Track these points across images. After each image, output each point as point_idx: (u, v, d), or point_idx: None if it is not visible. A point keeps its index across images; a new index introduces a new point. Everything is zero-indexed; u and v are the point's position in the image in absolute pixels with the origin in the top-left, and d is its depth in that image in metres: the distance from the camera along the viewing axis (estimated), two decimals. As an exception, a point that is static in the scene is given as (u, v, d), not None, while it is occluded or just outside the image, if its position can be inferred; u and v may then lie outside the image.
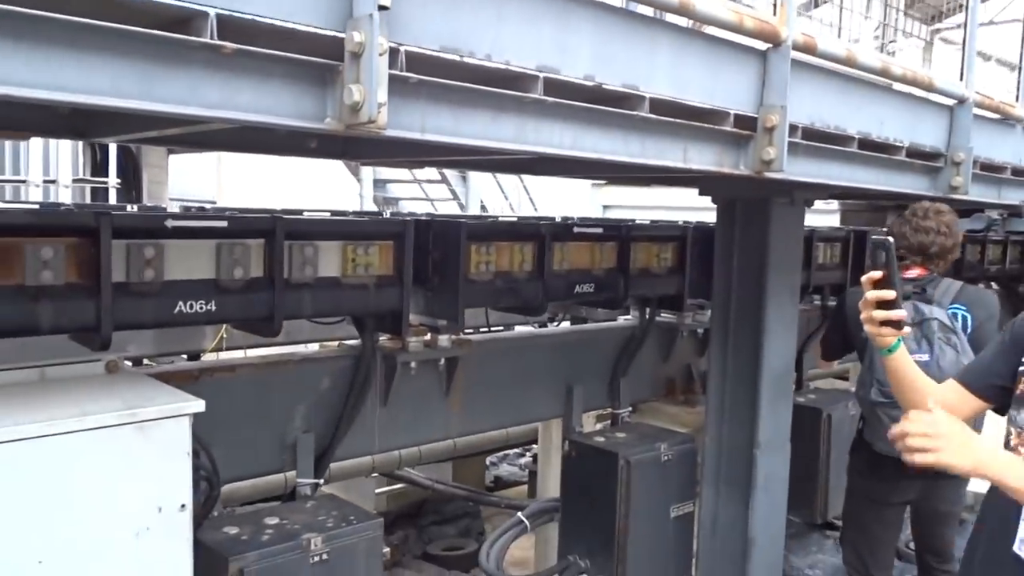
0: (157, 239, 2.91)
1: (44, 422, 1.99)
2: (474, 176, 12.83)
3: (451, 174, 12.94)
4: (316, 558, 2.89)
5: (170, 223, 2.96)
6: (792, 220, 4.26)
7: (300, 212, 5.53)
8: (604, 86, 2.50)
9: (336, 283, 3.36)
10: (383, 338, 3.76)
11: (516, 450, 8.57)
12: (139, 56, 1.71)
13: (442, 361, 3.86)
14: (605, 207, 14.64)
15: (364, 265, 3.43)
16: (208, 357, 6.08)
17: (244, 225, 3.15)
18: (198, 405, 2.25)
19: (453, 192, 13.46)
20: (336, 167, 11.58)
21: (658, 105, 2.66)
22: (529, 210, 14.35)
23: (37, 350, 2.93)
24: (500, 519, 6.60)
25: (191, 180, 11.12)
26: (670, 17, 2.82)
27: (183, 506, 2.20)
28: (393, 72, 1.98)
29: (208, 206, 8.06)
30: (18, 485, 1.95)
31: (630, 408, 4.74)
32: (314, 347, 6.58)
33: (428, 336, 3.81)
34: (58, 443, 2.00)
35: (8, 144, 9.38)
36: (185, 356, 6.03)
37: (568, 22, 2.40)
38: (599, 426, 4.87)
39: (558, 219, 5.91)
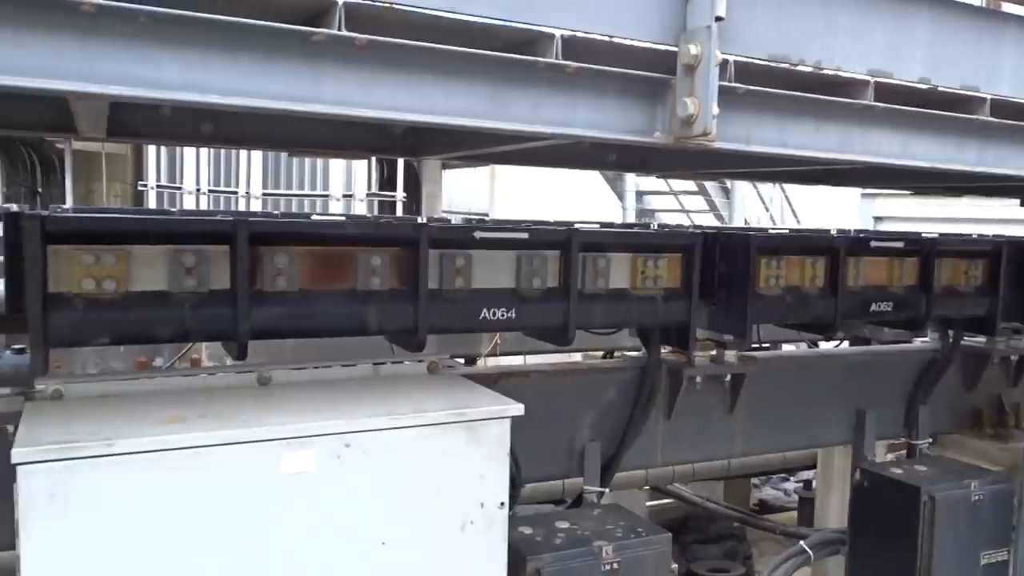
0: (466, 249, 3.09)
1: (388, 416, 2.18)
2: (739, 187, 12.45)
3: (710, 185, 12.67)
4: (607, 566, 2.91)
5: (478, 234, 3.14)
6: None
7: (571, 224, 5.67)
8: (940, 88, 2.31)
9: (625, 295, 3.38)
10: (665, 351, 3.74)
11: (780, 474, 8.16)
12: (490, 78, 1.82)
13: (728, 377, 3.76)
14: (877, 219, 13.60)
15: (653, 277, 3.42)
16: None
17: (542, 237, 3.26)
18: (518, 409, 2.36)
19: (711, 203, 13.16)
20: (597, 180, 11.77)
21: (1000, 107, 2.41)
22: (792, 223, 13.68)
23: (340, 349, 3.22)
24: (767, 545, 6.32)
25: (466, 193, 11.80)
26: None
27: (502, 504, 2.31)
28: (722, 83, 1.95)
29: (484, 218, 8.49)
30: (368, 472, 2.15)
31: (929, 439, 4.33)
32: (577, 356, 6.71)
33: (714, 351, 3.72)
34: (399, 436, 2.18)
35: (309, 163, 10.55)
36: (462, 360, 6.39)
37: (902, 23, 2.24)
38: (891, 456, 4.50)
39: (851, 232, 5.54)
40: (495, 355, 6.50)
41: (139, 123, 2.63)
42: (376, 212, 9.62)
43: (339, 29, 1.62)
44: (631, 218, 12.18)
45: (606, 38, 1.86)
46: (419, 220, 5.68)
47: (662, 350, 3.69)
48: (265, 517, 2.06)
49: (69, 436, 1.93)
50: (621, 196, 12.33)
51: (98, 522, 1.91)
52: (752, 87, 2.04)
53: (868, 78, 2.17)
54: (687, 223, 12.12)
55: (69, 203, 9.04)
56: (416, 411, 2.24)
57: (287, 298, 2.78)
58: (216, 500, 2.01)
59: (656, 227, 7.86)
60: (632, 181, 12.14)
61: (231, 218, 2.79)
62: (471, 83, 1.78)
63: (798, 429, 4.08)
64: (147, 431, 2.00)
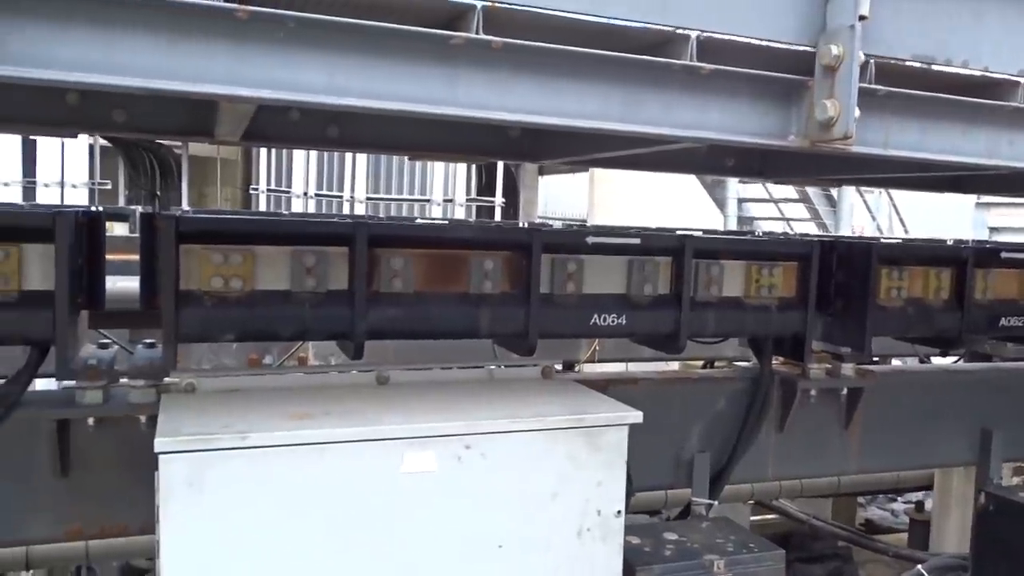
0: (578, 254, 3.08)
1: (507, 419, 2.18)
2: (846, 195, 12.02)
3: (813, 192, 12.28)
4: (718, 582, 2.84)
5: (590, 239, 3.11)
6: None
7: (673, 231, 5.57)
8: (1097, 89, 2.16)
9: (738, 303, 3.30)
10: (776, 362, 3.63)
11: (888, 494, 7.83)
12: (624, 80, 1.80)
13: (844, 391, 3.62)
14: (992, 229, 12.95)
15: (767, 286, 3.34)
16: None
17: (655, 243, 3.21)
18: (637, 416, 2.33)
19: (814, 211, 12.76)
20: (696, 186, 11.60)
21: None
22: (900, 232, 13.14)
23: (442, 351, 3.24)
24: (875, 567, 6.05)
25: (564, 199, 11.80)
26: None
27: (619, 512, 2.28)
28: (861, 85, 1.88)
29: (584, 224, 8.45)
30: (486, 474, 2.16)
31: (1062, 463, 4.07)
32: (675, 365, 6.59)
33: (829, 364, 3.59)
34: (518, 439, 2.18)
35: (408, 168, 10.75)
36: (559, 366, 6.35)
37: (1057, 19, 2.11)
38: (1017, 480, 4.25)
39: (971, 242, 5.28)
40: (593, 361, 6.45)
41: (269, 127, 2.72)
42: (475, 217, 9.73)
43: (477, 32, 1.63)
44: (732, 225, 11.93)
45: (742, 39, 1.82)
46: (525, 224, 5.69)
47: (773, 361, 3.59)
48: (385, 514, 2.09)
49: (205, 428, 2.00)
50: (722, 203, 12.08)
51: (230, 510, 1.97)
52: (892, 88, 1.96)
53: (1019, 79, 2.06)
54: (788, 232, 11.80)
55: (185, 206, 9.48)
56: (535, 415, 2.24)
57: (402, 300, 2.82)
58: (340, 495, 2.05)
59: (760, 234, 7.65)
60: (734, 188, 11.90)
61: (350, 221, 2.85)
62: (606, 85, 1.76)
63: (917, 448, 3.89)
64: (277, 426, 2.06)
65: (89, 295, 2.69)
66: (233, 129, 2.53)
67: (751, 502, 5.66)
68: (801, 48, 1.87)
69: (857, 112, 1.80)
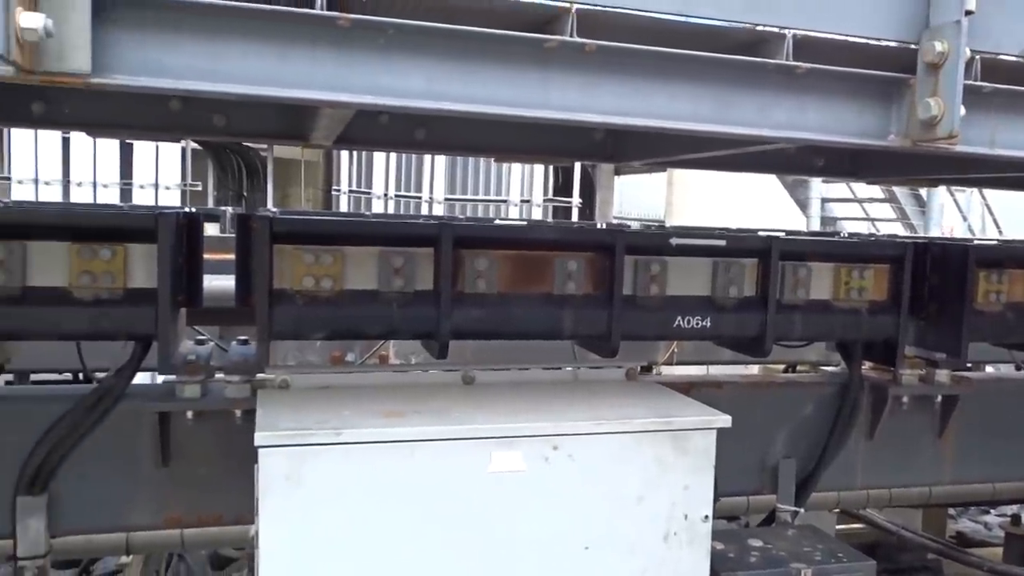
0: (661, 256, 3.05)
1: (594, 420, 2.19)
2: (937, 195, 11.60)
3: (901, 191, 11.88)
4: (806, 590, 2.78)
5: (674, 241, 3.09)
6: None
7: (755, 231, 5.45)
8: None
9: (827, 306, 3.23)
10: (866, 367, 3.53)
11: (981, 506, 7.50)
12: (716, 81, 1.78)
13: (938, 399, 3.50)
14: (1092, 230, 12.28)
15: (857, 289, 3.25)
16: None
17: (740, 244, 3.17)
18: (725, 420, 2.30)
19: (901, 211, 12.34)
20: (776, 187, 11.35)
21: None
22: (993, 233, 12.60)
23: (520, 351, 3.25)
24: (967, 582, 5.81)
25: (641, 199, 11.71)
26: None
27: (706, 517, 2.26)
28: (966, 82, 1.82)
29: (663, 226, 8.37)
30: (573, 476, 2.17)
31: None
32: (755, 369, 6.46)
33: (923, 370, 3.48)
34: (605, 441, 2.18)
35: (484, 169, 10.83)
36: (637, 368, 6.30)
37: None
38: None
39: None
40: (671, 364, 6.39)
41: (359, 131, 2.79)
42: (551, 217, 9.75)
43: (571, 35, 1.64)
44: (815, 226, 11.64)
45: (840, 37, 1.78)
46: (604, 225, 5.67)
47: (863, 366, 3.49)
48: (474, 513, 2.12)
49: (302, 424, 2.07)
50: (804, 203, 11.80)
51: (324, 504, 2.03)
52: (999, 85, 1.89)
53: None
54: (874, 232, 11.43)
55: (269, 206, 9.77)
56: (621, 417, 2.23)
57: (486, 300, 2.84)
58: (430, 492, 2.08)
59: (845, 235, 7.43)
60: (817, 188, 11.61)
61: (436, 222, 2.89)
62: (696, 86, 1.75)
63: (1017, 459, 3.73)
64: (369, 423, 2.11)
65: (188, 293, 2.80)
66: (329, 133, 2.60)
67: (837, 510, 5.50)
68: (901, 45, 1.82)
69: (962, 110, 1.74)
